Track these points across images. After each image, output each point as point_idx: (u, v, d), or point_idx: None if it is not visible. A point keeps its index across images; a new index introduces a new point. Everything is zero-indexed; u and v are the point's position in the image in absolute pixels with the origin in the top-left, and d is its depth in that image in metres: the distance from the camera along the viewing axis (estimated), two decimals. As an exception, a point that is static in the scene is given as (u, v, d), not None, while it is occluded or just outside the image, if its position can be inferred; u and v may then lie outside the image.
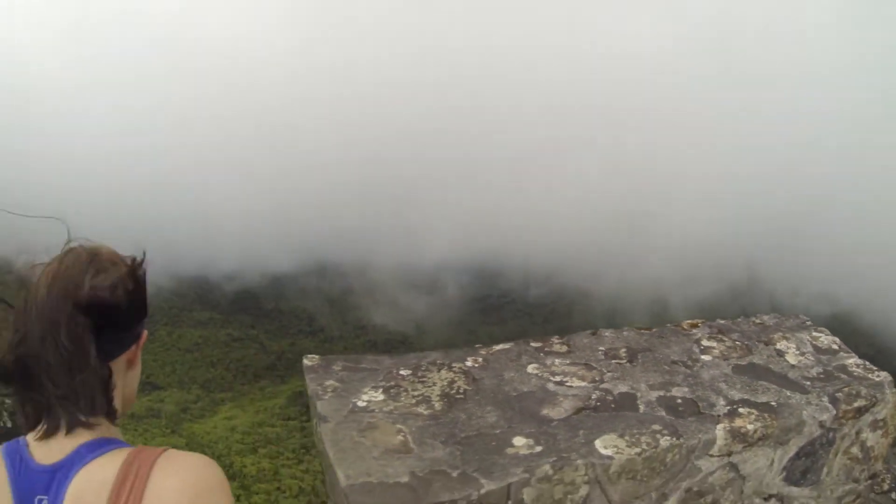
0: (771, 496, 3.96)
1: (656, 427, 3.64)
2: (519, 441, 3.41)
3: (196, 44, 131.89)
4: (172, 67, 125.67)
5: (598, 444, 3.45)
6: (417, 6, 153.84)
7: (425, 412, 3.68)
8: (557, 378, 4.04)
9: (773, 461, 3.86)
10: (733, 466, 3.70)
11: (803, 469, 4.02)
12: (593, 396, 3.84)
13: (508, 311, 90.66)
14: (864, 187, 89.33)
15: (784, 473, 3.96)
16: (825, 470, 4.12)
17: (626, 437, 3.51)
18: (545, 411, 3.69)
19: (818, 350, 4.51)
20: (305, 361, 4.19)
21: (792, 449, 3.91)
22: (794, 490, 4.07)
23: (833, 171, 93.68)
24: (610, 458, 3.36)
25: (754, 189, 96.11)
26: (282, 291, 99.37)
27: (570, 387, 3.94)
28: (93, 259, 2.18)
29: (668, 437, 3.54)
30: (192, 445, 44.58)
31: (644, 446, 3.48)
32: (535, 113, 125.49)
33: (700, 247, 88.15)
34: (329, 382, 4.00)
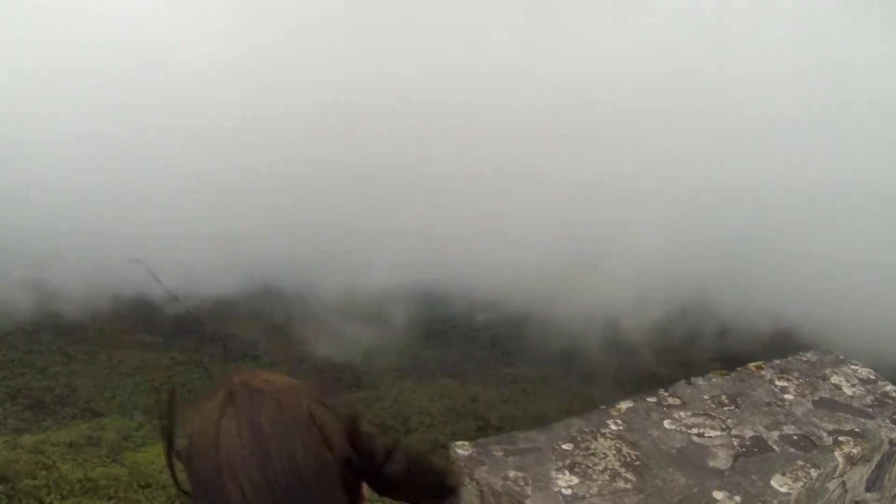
0: (856, 502, 4.86)
1: (799, 462, 4.27)
2: (719, 495, 3.85)
3: (137, 53, 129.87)
4: (112, 82, 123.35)
5: (773, 484, 3.98)
6: (366, 23, 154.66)
7: (629, 486, 3.97)
8: (695, 430, 4.50)
9: (862, 475, 4.75)
10: (843, 484, 4.53)
11: (875, 478, 4.92)
12: (735, 443, 4.23)
13: (453, 335, 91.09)
14: (809, 203, 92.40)
15: (865, 484, 4.86)
16: (887, 476, 5.02)
17: (788, 475, 4.11)
18: (711, 463, 4.13)
19: (862, 381, 5.29)
20: (458, 451, 4.31)
21: (873, 464, 4.80)
22: (868, 495, 4.98)
23: (780, 189, 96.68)
24: (787, 494, 3.92)
25: (707, 210, 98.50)
26: (225, 315, 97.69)
27: (711, 437, 4.38)
28: (303, 403, 1.73)
29: (813, 469, 4.22)
30: (134, 475, 42.86)
31: (804, 479, 4.09)
32: (482, 135, 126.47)
33: (651, 270, 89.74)
34: (510, 473, 4.07)
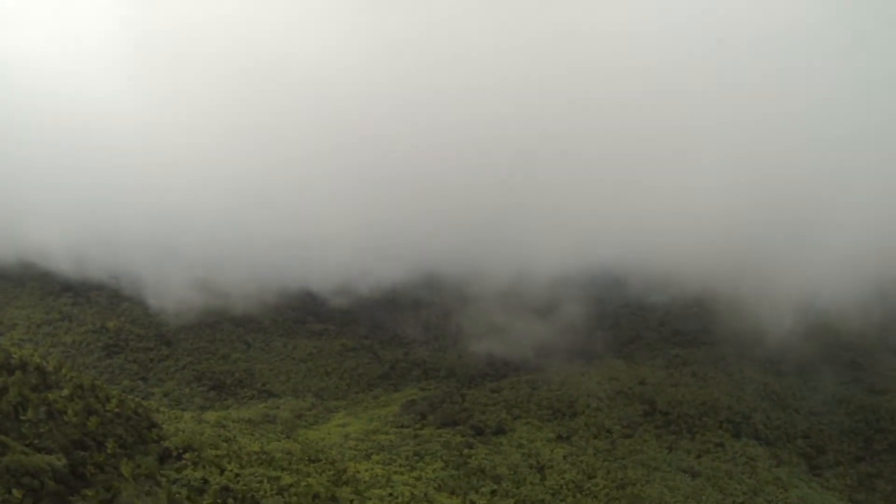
0: None
1: None
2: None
3: (289, 62, 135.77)
4: (266, 87, 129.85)
5: None
6: (525, 8, 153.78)
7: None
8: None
9: None
10: None
11: None
12: None
13: (623, 315, 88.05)
14: None
15: None
16: None
17: None
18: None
19: None
20: None
21: None
22: None
23: None
24: None
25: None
26: (394, 303, 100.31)
27: None
28: None
29: None
30: (305, 450, 44.65)
31: None
32: (651, 110, 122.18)
33: (846, 254, 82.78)
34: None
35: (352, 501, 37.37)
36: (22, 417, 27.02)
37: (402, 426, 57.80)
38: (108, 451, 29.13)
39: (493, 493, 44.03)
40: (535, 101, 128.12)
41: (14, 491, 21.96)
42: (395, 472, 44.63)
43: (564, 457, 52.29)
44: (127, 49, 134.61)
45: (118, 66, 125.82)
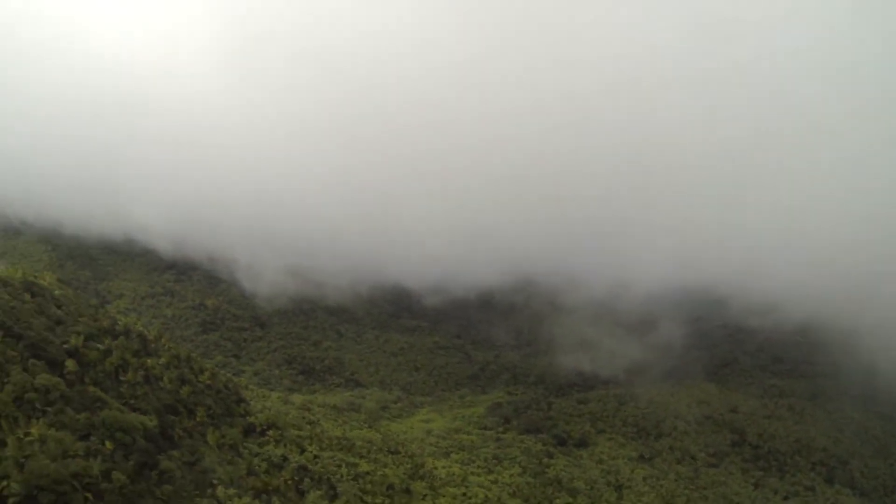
0: None
1: None
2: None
3: (399, 61, 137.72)
4: (373, 83, 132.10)
5: None
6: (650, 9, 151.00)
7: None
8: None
9: None
10: None
11: None
12: None
13: (720, 336, 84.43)
14: None
15: None
16: None
17: None
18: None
19: None
20: None
21: None
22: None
23: None
24: None
25: None
26: (488, 305, 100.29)
27: None
28: None
29: None
30: (386, 441, 45.23)
31: None
32: (755, 123, 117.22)
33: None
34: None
35: (425, 497, 37.60)
36: (121, 379, 28.53)
37: (486, 428, 57.67)
38: (197, 418, 30.42)
39: (568, 505, 43.31)
40: (646, 108, 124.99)
41: (107, 443, 23.24)
42: (472, 473, 44.55)
43: (644, 478, 50.84)
44: (233, 46, 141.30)
45: (223, 64, 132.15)
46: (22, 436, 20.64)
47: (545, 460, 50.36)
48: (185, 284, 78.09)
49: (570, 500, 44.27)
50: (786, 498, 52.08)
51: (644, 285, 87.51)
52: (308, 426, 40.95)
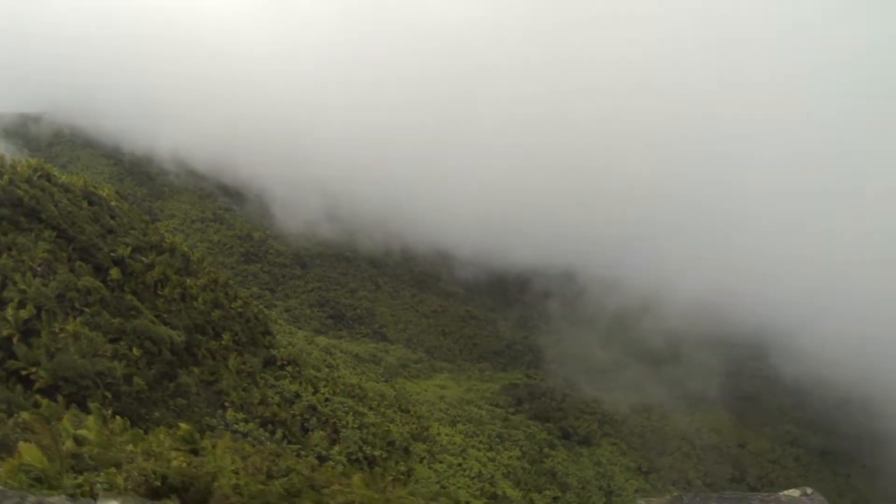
0: None
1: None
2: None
3: (479, 50, 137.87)
4: (451, 71, 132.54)
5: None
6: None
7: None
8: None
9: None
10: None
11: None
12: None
13: (746, 368, 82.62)
14: None
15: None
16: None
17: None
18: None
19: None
20: None
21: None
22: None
23: None
24: None
25: None
26: (526, 286, 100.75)
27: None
28: None
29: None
30: (399, 398, 46.62)
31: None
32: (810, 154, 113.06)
33: None
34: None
35: (423, 459, 38.89)
36: (159, 293, 30.15)
37: (497, 405, 58.45)
38: (223, 342, 32.04)
39: (556, 499, 44.04)
40: (713, 109, 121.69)
41: (135, 349, 24.83)
42: (473, 447, 45.61)
43: (636, 490, 51.14)
44: (349, 37, 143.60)
45: (337, 59, 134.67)
46: (58, 330, 22.30)
47: (546, 450, 51.04)
48: (234, 214, 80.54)
49: (559, 494, 45.15)
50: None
51: (678, 300, 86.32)
52: (326, 369, 42.46)
